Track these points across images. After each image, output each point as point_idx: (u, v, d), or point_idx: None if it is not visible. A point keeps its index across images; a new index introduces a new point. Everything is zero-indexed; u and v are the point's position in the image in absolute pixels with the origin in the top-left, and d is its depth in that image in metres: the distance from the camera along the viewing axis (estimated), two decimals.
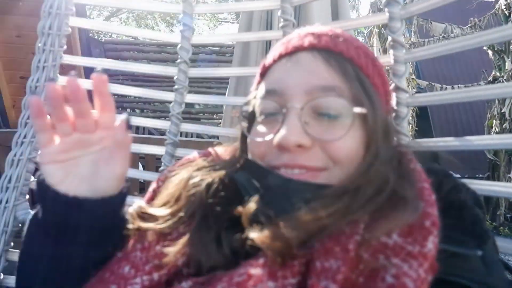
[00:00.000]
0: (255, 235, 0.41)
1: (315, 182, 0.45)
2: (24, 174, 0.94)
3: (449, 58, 7.78)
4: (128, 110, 5.35)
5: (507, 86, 0.60)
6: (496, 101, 4.85)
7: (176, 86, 0.97)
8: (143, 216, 0.50)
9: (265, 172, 0.47)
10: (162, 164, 0.99)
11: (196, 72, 0.99)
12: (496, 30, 0.62)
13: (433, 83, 5.86)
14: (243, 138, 0.55)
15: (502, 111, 4.83)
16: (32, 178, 0.97)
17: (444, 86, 5.69)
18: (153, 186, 0.57)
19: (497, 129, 4.86)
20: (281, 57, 0.51)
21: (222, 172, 0.52)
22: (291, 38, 0.52)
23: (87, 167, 0.47)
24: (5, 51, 3.27)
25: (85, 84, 1.04)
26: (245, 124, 0.55)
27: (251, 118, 0.54)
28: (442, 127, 7.39)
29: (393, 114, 0.79)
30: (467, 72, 7.48)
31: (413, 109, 5.55)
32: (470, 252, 0.41)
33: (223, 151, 0.61)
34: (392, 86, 0.78)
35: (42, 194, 0.46)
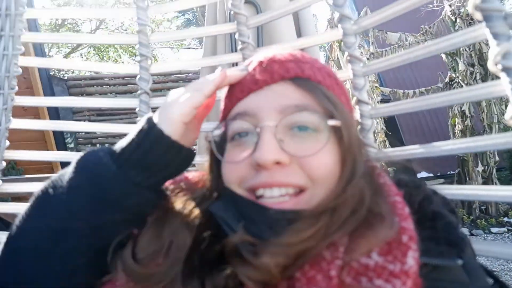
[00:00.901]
0: (236, 268, 0.39)
1: (292, 209, 0.44)
2: None
3: (407, 64, 8.15)
4: (98, 145, 5.17)
5: (460, 92, 0.62)
6: None
7: (138, 118, 0.94)
8: (131, 275, 0.45)
9: (242, 202, 0.46)
10: None
11: (159, 102, 0.97)
12: (445, 38, 0.64)
13: (395, 89, 6.11)
14: (216, 164, 0.53)
15: (462, 109, 5.09)
16: None
17: (406, 91, 5.95)
18: None
19: (460, 126, 5.10)
20: (250, 92, 0.50)
21: (201, 208, 0.51)
22: (255, 71, 0.51)
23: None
24: None
25: (43, 124, 0.99)
26: (215, 149, 0.52)
27: (221, 143, 0.52)
28: (409, 128, 7.68)
29: (358, 127, 0.80)
30: (425, 76, 7.87)
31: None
32: (451, 263, 0.40)
33: (198, 177, 0.59)
34: (353, 100, 0.79)
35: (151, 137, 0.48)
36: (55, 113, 3.89)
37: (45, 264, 0.45)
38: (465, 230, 4.76)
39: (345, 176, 0.46)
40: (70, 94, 4.71)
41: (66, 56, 11.30)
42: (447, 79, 5.32)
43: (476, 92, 0.60)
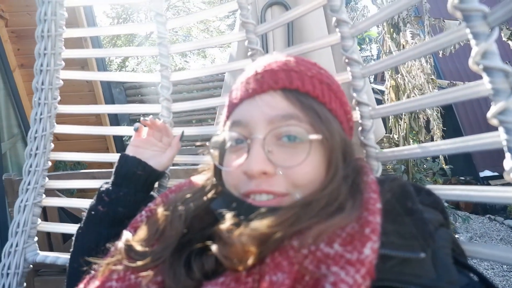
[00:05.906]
0: (214, 247, 0.45)
1: (274, 205, 0.48)
2: (31, 218, 1.03)
3: (469, 54, 7.50)
4: None
5: (448, 92, 0.61)
6: None
7: (161, 120, 1.03)
8: (130, 253, 0.54)
9: (237, 201, 0.52)
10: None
11: (179, 106, 1.05)
12: (433, 39, 0.63)
13: (454, 81, 5.68)
14: (216, 167, 0.60)
15: None
16: (39, 221, 1.05)
17: (466, 83, 5.48)
18: (137, 217, 0.63)
19: None
20: (242, 99, 0.56)
21: (198, 203, 0.58)
22: (250, 80, 0.56)
23: (149, 153, 0.84)
24: None
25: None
26: (216, 154, 0.60)
27: (222, 148, 0.59)
28: (470, 122, 7.08)
29: (359, 128, 0.80)
30: None
31: (437, 109, 5.38)
32: (412, 255, 0.41)
33: (200, 179, 0.66)
34: (353, 102, 0.80)
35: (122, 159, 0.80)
36: (114, 117, 4.27)
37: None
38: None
39: (326, 180, 0.50)
40: (127, 95, 5.09)
41: (121, 64, 12.35)
42: None
43: (462, 92, 0.59)
